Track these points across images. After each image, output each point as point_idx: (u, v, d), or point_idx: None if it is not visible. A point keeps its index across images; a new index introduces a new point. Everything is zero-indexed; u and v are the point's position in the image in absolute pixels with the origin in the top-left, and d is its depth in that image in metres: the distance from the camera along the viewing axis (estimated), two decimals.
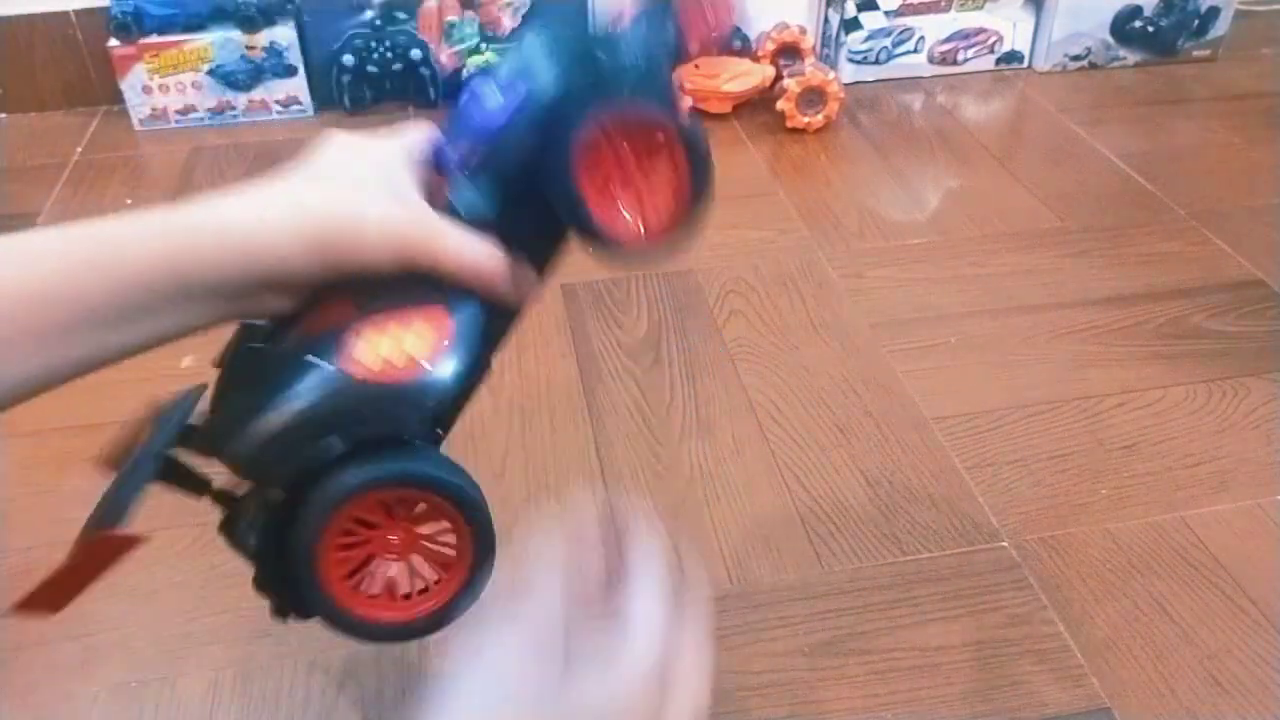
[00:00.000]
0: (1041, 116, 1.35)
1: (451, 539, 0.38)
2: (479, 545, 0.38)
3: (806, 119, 1.28)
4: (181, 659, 0.65)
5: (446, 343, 0.38)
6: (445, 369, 0.37)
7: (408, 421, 0.38)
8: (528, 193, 0.39)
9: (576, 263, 0.79)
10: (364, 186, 0.39)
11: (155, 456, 0.39)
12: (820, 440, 0.81)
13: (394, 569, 0.39)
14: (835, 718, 0.61)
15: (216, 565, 0.71)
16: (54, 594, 0.38)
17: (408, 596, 0.39)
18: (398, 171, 0.40)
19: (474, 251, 0.38)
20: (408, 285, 0.37)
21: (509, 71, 0.40)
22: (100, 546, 0.37)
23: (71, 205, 1.17)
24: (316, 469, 0.36)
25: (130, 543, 0.37)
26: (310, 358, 0.36)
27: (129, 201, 1.17)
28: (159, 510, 0.79)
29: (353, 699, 0.62)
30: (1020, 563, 0.70)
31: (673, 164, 0.41)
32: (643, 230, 0.41)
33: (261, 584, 0.42)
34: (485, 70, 0.41)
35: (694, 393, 0.86)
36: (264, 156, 1.27)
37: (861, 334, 0.93)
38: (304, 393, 0.36)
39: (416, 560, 0.39)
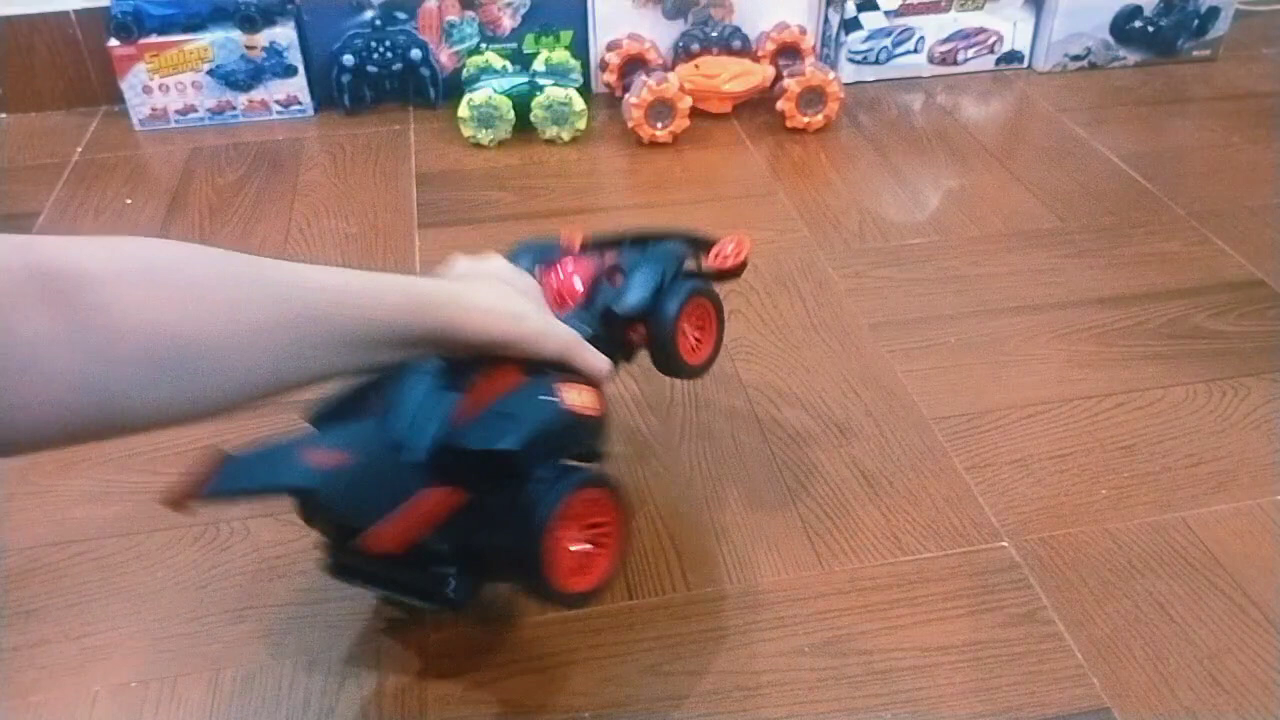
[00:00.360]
0: (1041, 116, 1.35)
1: (603, 527, 0.58)
2: (626, 529, 0.59)
3: (806, 119, 1.28)
4: (181, 659, 0.65)
5: (600, 401, 0.60)
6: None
7: (596, 441, 0.60)
8: (612, 328, 0.65)
9: None
10: (541, 310, 0.61)
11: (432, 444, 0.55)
12: (820, 440, 0.81)
13: (577, 548, 0.56)
14: (835, 718, 0.61)
15: (217, 565, 0.71)
16: (388, 535, 0.51)
17: (586, 571, 0.57)
18: (541, 298, 0.64)
19: (599, 363, 0.61)
20: (553, 367, 0.59)
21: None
22: (430, 500, 0.52)
23: (71, 205, 1.17)
24: (557, 465, 0.56)
25: (455, 496, 0.53)
26: (544, 397, 0.56)
27: (129, 201, 1.18)
28: (160, 511, 0.79)
29: (353, 699, 0.62)
30: (1020, 563, 0.70)
31: (707, 312, 0.70)
32: (700, 357, 0.70)
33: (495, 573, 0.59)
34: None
35: (694, 393, 0.86)
36: (264, 156, 1.27)
37: (861, 334, 0.93)
38: (550, 412, 0.56)
39: (588, 542, 0.57)
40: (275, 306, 0.46)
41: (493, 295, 0.57)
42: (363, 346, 0.50)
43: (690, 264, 0.72)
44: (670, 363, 0.67)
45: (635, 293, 0.66)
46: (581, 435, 0.58)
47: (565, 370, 0.59)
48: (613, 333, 0.65)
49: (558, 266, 0.68)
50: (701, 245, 0.73)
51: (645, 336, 0.67)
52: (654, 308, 0.66)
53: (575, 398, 0.57)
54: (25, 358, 0.37)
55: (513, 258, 0.68)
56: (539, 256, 0.69)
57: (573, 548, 0.56)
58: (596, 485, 0.57)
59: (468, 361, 0.57)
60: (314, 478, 0.50)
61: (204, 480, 0.52)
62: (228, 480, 0.52)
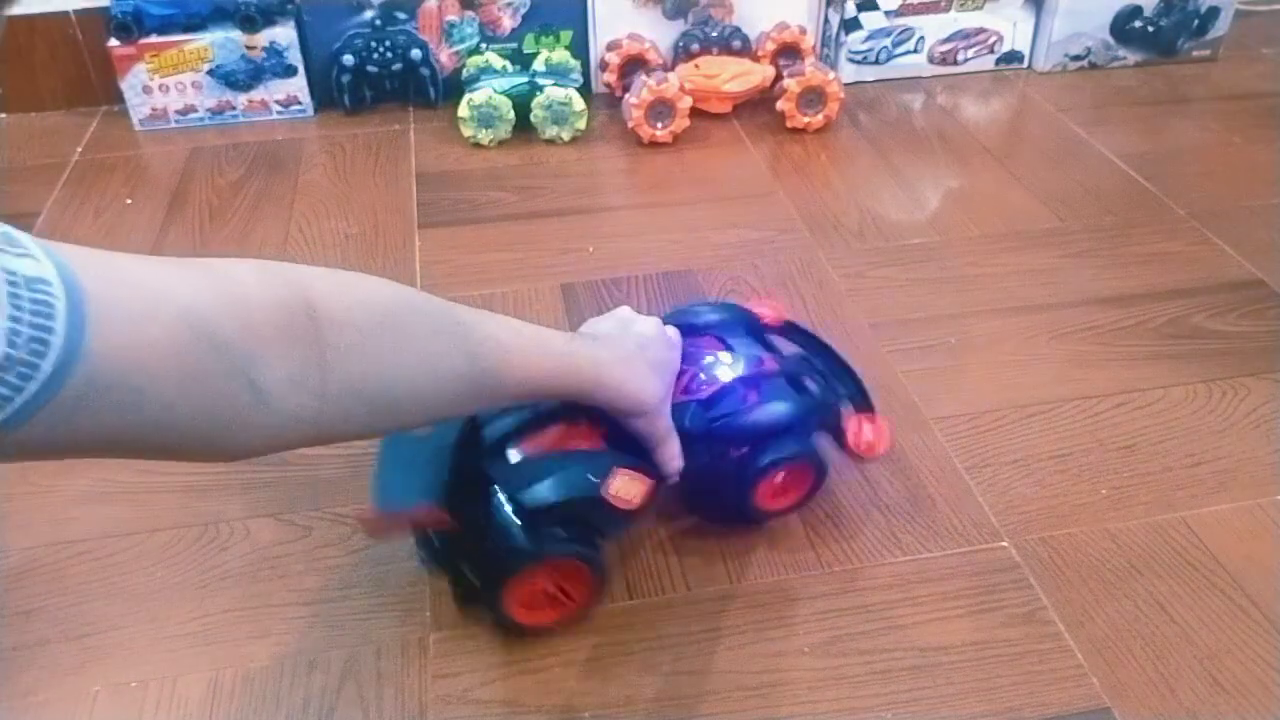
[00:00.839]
0: (1041, 116, 1.35)
1: (570, 595, 0.64)
2: (587, 607, 0.65)
3: (806, 119, 1.28)
4: (181, 659, 0.65)
5: (647, 499, 0.64)
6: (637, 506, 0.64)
7: (613, 530, 0.66)
8: (709, 440, 0.67)
9: (576, 261, 0.84)
10: (663, 391, 0.64)
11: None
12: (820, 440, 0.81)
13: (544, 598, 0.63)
14: (835, 718, 0.61)
15: (216, 565, 0.71)
16: (379, 526, 0.61)
17: (538, 610, 0.64)
18: (669, 374, 0.66)
19: (672, 464, 0.66)
20: (634, 445, 0.64)
21: (741, 377, 0.69)
22: (424, 515, 0.60)
23: (71, 205, 1.17)
24: (558, 533, 0.62)
25: (437, 518, 0.60)
26: (590, 477, 0.62)
27: (129, 201, 1.18)
28: (160, 511, 0.79)
29: (352, 699, 0.62)
30: (1020, 563, 0.70)
31: (805, 477, 0.71)
32: (773, 505, 0.71)
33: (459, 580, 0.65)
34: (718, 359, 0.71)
35: None
36: (264, 156, 1.26)
37: (861, 334, 0.93)
38: (584, 491, 0.62)
39: (553, 593, 0.63)
40: (464, 361, 0.52)
41: (628, 372, 0.61)
42: (516, 397, 0.58)
43: (835, 420, 0.72)
44: (741, 500, 0.69)
45: (749, 419, 0.67)
46: (604, 521, 0.64)
47: (644, 449, 0.64)
48: (708, 443, 0.67)
49: (717, 353, 0.71)
50: (861, 404, 0.74)
51: (740, 462, 0.68)
52: (756, 443, 0.67)
53: (620, 487, 0.62)
54: (269, 396, 0.42)
55: (686, 312, 0.75)
56: (725, 322, 0.74)
57: (541, 588, 0.63)
58: (585, 563, 0.63)
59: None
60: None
61: None
62: None
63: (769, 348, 0.74)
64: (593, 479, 0.61)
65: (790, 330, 0.78)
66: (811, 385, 0.72)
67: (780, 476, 0.69)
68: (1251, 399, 0.84)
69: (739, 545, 0.72)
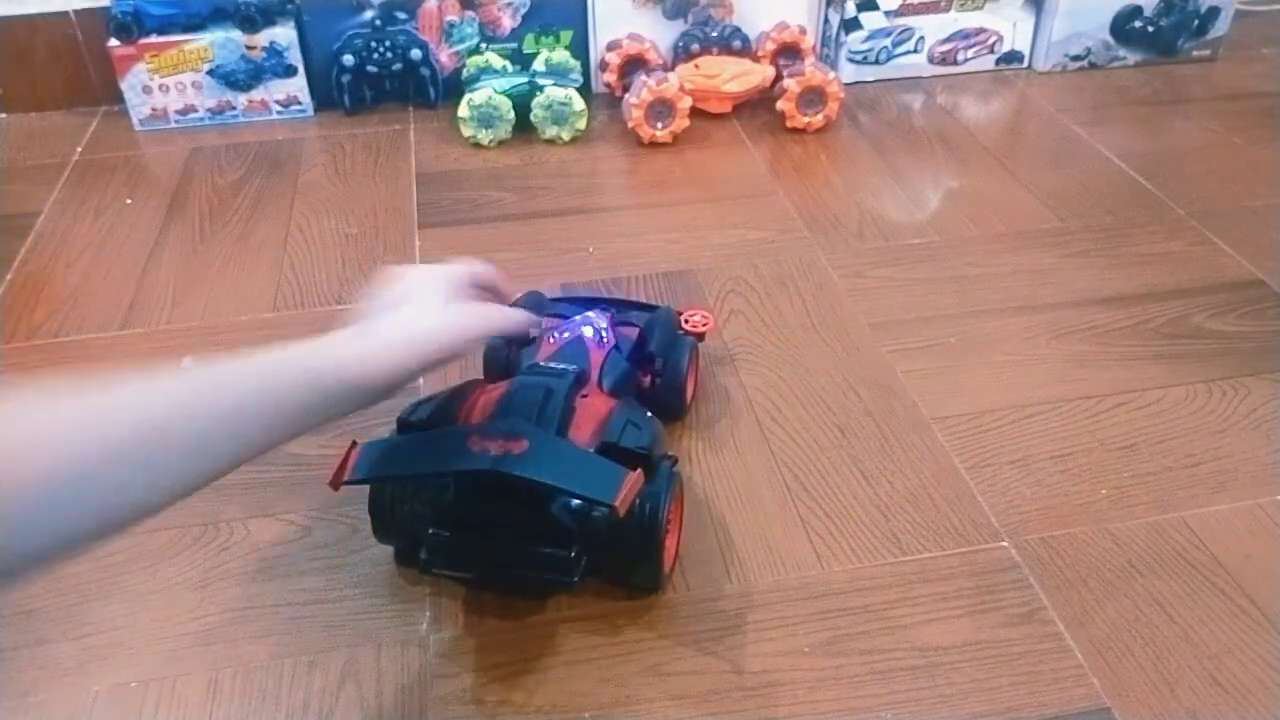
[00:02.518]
0: (1041, 116, 1.35)
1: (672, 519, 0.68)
2: (681, 516, 0.72)
3: (806, 119, 1.28)
4: (181, 659, 0.65)
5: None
6: None
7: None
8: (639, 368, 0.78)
9: (576, 261, 0.85)
10: (442, 307, 0.59)
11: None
12: (820, 440, 0.81)
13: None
14: (835, 718, 0.61)
15: (217, 565, 0.71)
16: (627, 503, 0.57)
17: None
18: (443, 290, 0.60)
19: (520, 319, 0.67)
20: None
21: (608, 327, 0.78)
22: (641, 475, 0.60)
23: (71, 205, 1.17)
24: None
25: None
26: (647, 413, 0.71)
27: (129, 201, 1.18)
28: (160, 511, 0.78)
29: (353, 699, 0.62)
30: (1020, 563, 0.70)
31: (695, 363, 0.83)
32: (689, 398, 0.83)
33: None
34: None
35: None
36: (264, 156, 1.27)
37: (861, 334, 0.93)
38: (656, 424, 0.70)
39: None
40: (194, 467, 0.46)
41: (387, 332, 0.55)
42: (265, 448, 0.49)
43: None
44: (678, 402, 0.81)
45: (655, 344, 0.79)
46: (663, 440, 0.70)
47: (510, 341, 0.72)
48: (635, 365, 0.77)
49: (589, 316, 0.79)
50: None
51: (653, 379, 0.79)
52: (670, 355, 0.80)
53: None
54: None
55: (536, 302, 0.82)
56: (558, 307, 0.82)
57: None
58: (678, 483, 0.68)
59: (570, 383, 0.67)
60: (503, 462, 0.58)
61: (347, 466, 0.60)
62: (373, 466, 0.61)
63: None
64: (648, 414, 0.70)
65: (573, 300, 0.86)
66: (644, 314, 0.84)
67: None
68: (1251, 399, 0.84)
69: (739, 545, 0.72)
